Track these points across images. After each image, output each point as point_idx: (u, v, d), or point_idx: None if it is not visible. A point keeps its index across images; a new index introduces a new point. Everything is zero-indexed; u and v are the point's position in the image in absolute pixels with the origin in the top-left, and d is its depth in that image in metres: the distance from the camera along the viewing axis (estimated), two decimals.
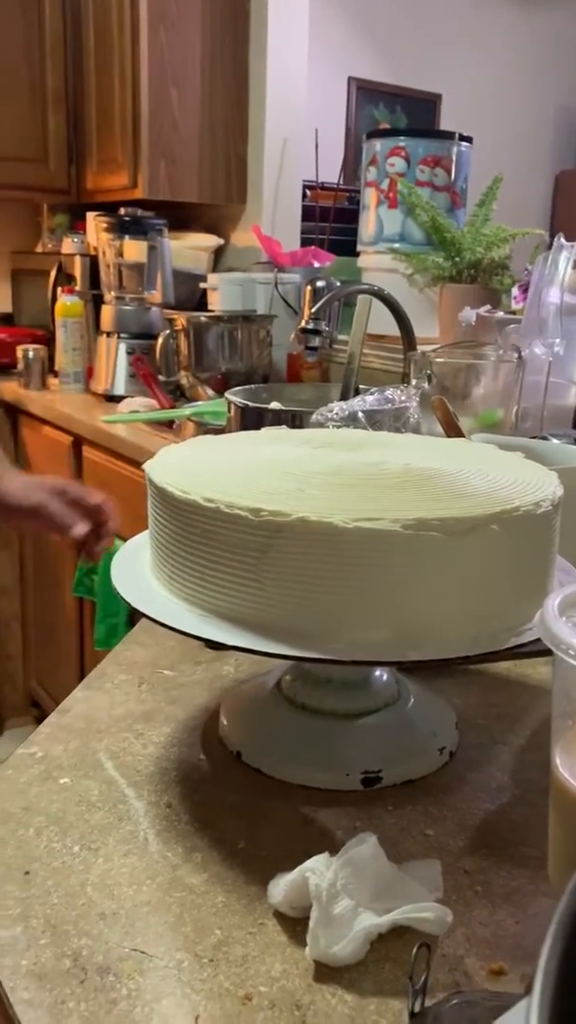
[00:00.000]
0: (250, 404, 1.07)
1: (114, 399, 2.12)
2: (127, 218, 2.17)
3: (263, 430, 0.74)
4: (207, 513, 0.53)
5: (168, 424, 1.82)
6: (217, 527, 0.53)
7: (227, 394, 1.11)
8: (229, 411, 1.10)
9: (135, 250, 2.13)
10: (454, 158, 1.95)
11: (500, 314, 1.61)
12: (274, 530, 0.51)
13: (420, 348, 1.72)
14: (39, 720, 2.55)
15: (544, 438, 1.11)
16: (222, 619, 0.54)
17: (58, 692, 2.28)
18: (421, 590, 0.52)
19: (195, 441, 0.69)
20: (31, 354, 2.26)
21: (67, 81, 2.45)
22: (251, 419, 1.08)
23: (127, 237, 2.13)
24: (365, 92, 3.96)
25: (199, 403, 1.61)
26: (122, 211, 2.20)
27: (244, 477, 0.57)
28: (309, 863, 0.47)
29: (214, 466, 0.61)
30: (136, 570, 0.62)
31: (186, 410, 1.48)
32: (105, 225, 2.17)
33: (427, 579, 0.52)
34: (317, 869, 0.47)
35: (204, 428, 1.41)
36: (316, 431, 0.75)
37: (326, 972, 0.45)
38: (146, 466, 0.61)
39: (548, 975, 0.26)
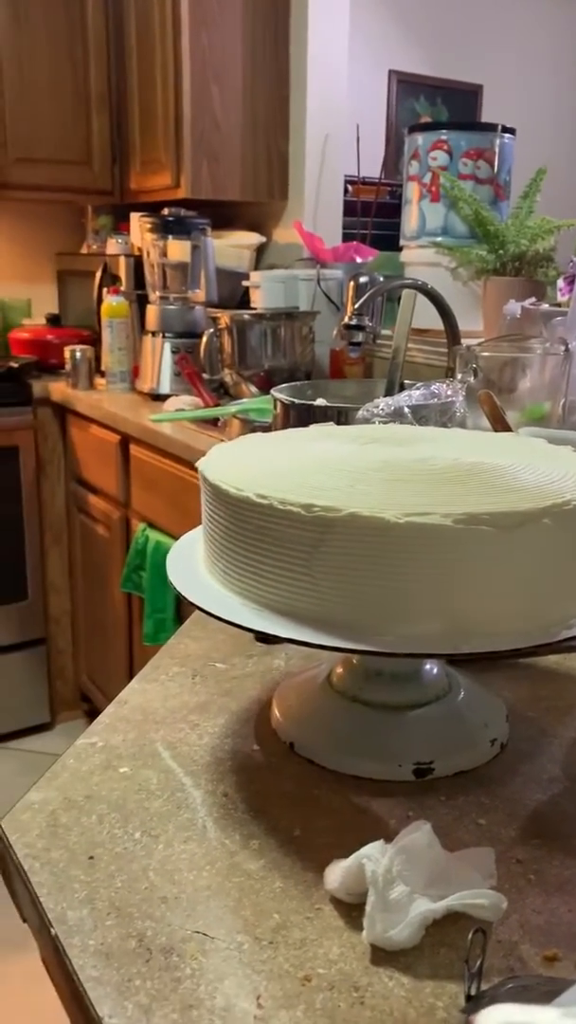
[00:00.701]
0: (296, 401, 1.08)
1: (159, 398, 2.15)
2: (170, 218, 2.19)
3: (311, 427, 0.75)
4: (260, 509, 0.55)
5: (213, 422, 1.84)
6: (270, 523, 0.55)
7: (273, 391, 1.12)
8: (275, 408, 1.11)
9: (179, 250, 2.15)
10: (497, 150, 1.94)
11: (545, 306, 1.60)
12: (326, 525, 0.52)
13: (464, 342, 1.72)
14: (89, 714, 2.60)
15: None
16: (276, 613, 0.56)
17: (107, 687, 2.32)
18: (472, 584, 0.53)
19: (245, 439, 0.71)
20: (78, 355, 2.30)
21: (110, 83, 2.49)
22: (297, 416, 1.09)
23: (171, 237, 2.16)
24: (406, 85, 3.94)
25: (244, 400, 1.63)
26: (165, 211, 2.23)
27: (295, 474, 0.59)
28: (365, 850, 0.49)
29: (265, 463, 0.62)
30: (191, 566, 0.63)
31: (231, 407, 1.50)
32: (149, 225, 2.19)
33: (478, 573, 0.53)
34: (373, 856, 0.48)
35: (250, 425, 1.42)
36: (364, 427, 0.76)
37: (383, 956, 0.46)
38: (199, 464, 0.63)
39: None
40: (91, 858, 0.53)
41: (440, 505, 0.53)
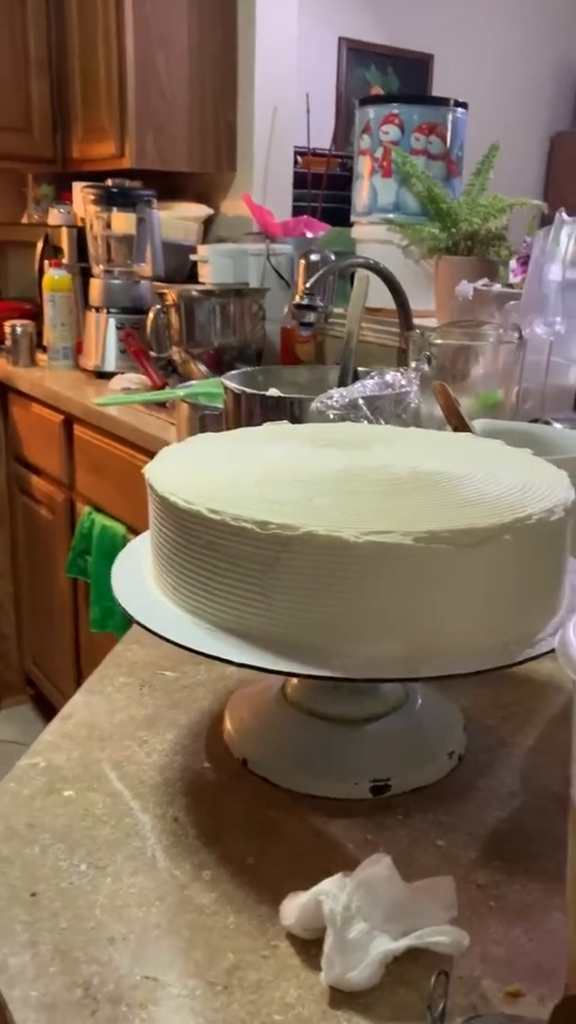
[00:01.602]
0: (247, 391, 1.05)
1: (104, 375, 2.09)
2: (114, 189, 2.12)
3: (265, 426, 0.72)
4: (212, 525, 0.52)
5: (161, 403, 1.80)
6: (223, 539, 0.52)
7: (223, 379, 1.08)
8: (226, 396, 1.08)
9: (123, 222, 2.09)
10: (449, 125, 1.91)
11: (498, 287, 1.58)
12: (282, 544, 0.50)
13: (417, 323, 1.69)
14: (34, 699, 2.55)
15: (546, 422, 1.09)
16: (228, 633, 0.53)
17: (53, 672, 2.28)
18: (433, 603, 0.51)
19: (195, 440, 0.68)
20: (19, 330, 2.22)
21: (50, 47, 2.39)
22: (248, 406, 1.06)
23: (115, 209, 2.09)
24: (356, 53, 3.87)
25: (192, 383, 1.59)
26: (109, 182, 2.15)
27: (249, 485, 0.56)
28: (322, 885, 0.47)
29: (217, 472, 0.59)
30: (139, 578, 0.60)
31: (180, 391, 1.46)
32: (92, 196, 2.12)
33: (439, 592, 0.51)
34: (331, 892, 0.46)
35: (199, 411, 1.39)
36: (319, 427, 0.74)
37: (341, 997, 0.44)
38: (146, 472, 0.59)
39: None
40: (33, 895, 0.51)
41: (400, 521, 0.50)
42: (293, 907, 0.47)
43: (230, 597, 0.52)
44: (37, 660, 2.42)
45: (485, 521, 0.51)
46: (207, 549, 0.53)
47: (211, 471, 0.59)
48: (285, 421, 0.73)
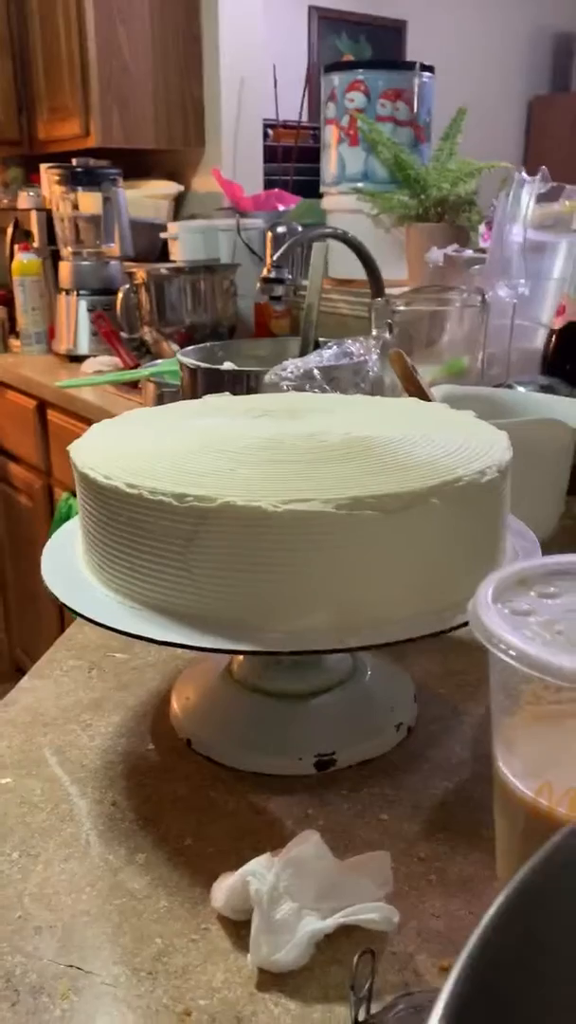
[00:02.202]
0: (202, 365, 1.03)
1: (77, 359, 2.06)
2: (79, 168, 2.09)
3: (204, 399, 0.70)
4: (131, 500, 0.50)
5: (133, 384, 1.78)
6: (141, 515, 0.50)
7: (179, 354, 1.06)
8: (181, 372, 1.06)
9: (90, 202, 2.06)
10: (416, 90, 1.87)
11: (468, 253, 1.56)
12: (200, 516, 0.48)
13: (388, 291, 1.67)
14: None
15: (509, 386, 1.07)
16: (154, 611, 0.51)
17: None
18: (360, 572, 0.49)
19: (128, 416, 0.66)
20: None
21: (10, 25, 2.34)
22: (205, 380, 1.04)
23: (80, 189, 2.06)
24: (327, 21, 3.81)
25: (158, 362, 1.57)
26: (74, 161, 2.12)
27: (172, 457, 0.54)
28: (250, 866, 0.45)
29: (142, 445, 0.57)
30: (68, 559, 0.59)
31: (144, 371, 1.44)
32: (57, 177, 2.09)
33: (366, 560, 0.49)
34: (258, 872, 0.45)
35: (163, 389, 1.36)
36: (259, 398, 0.72)
37: (269, 979, 0.43)
38: (70, 448, 0.58)
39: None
40: None
41: (323, 489, 0.48)
42: (223, 889, 0.46)
43: (153, 574, 0.51)
44: (26, 648, 2.41)
45: (412, 485, 0.49)
46: (128, 525, 0.51)
47: (135, 445, 0.57)
48: (226, 393, 0.71)
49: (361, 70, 1.87)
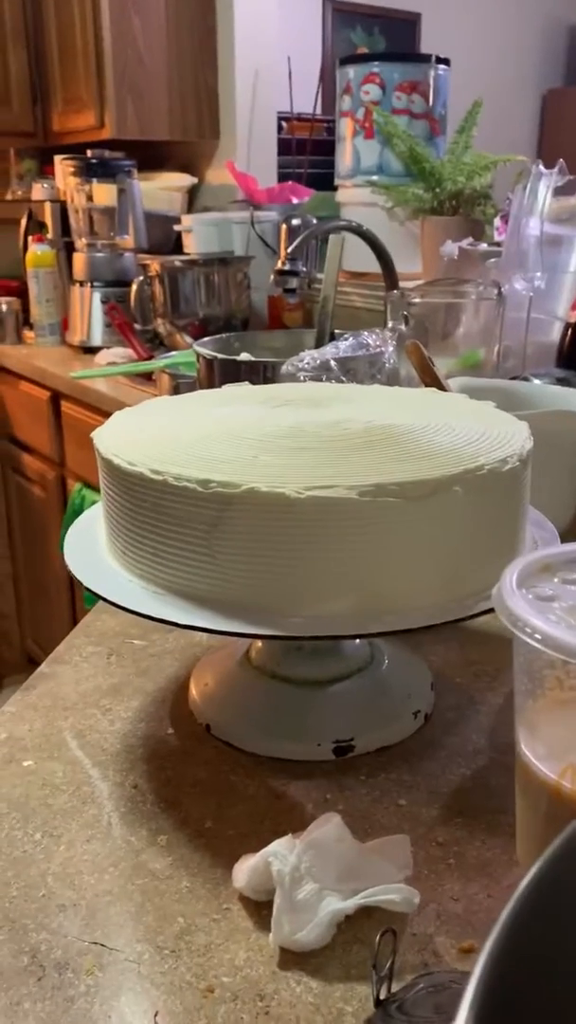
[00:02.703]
0: (218, 356, 1.03)
1: (91, 351, 2.07)
2: (94, 160, 2.09)
3: (224, 388, 0.70)
4: (155, 486, 0.51)
5: (147, 376, 1.78)
6: (166, 500, 0.51)
7: (195, 345, 1.07)
8: (198, 363, 1.06)
9: (104, 194, 2.06)
10: (431, 83, 1.87)
11: (483, 246, 1.55)
12: (224, 502, 0.49)
13: (402, 284, 1.66)
14: None
15: (525, 378, 1.07)
16: (177, 596, 0.52)
17: (53, 649, 2.27)
18: (382, 559, 0.50)
19: (149, 404, 0.66)
20: (4, 307, 2.20)
21: (25, 16, 2.34)
22: (222, 371, 1.04)
23: (95, 180, 2.06)
24: (341, 14, 3.80)
25: (173, 353, 1.57)
26: (89, 153, 2.12)
27: (196, 445, 0.54)
28: (272, 847, 0.46)
29: (165, 433, 0.58)
30: (91, 545, 0.59)
31: (159, 362, 1.44)
32: (72, 169, 2.09)
33: (389, 547, 0.49)
34: (280, 853, 0.45)
35: (178, 380, 1.37)
36: (279, 387, 0.72)
37: (291, 958, 0.44)
38: (94, 435, 0.58)
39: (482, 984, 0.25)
40: None
41: (346, 476, 0.49)
42: (244, 870, 0.47)
43: (177, 559, 0.51)
44: (37, 638, 2.42)
45: (434, 473, 0.49)
46: (152, 511, 0.52)
47: (158, 433, 0.57)
48: (246, 383, 0.72)
49: (377, 63, 1.87)
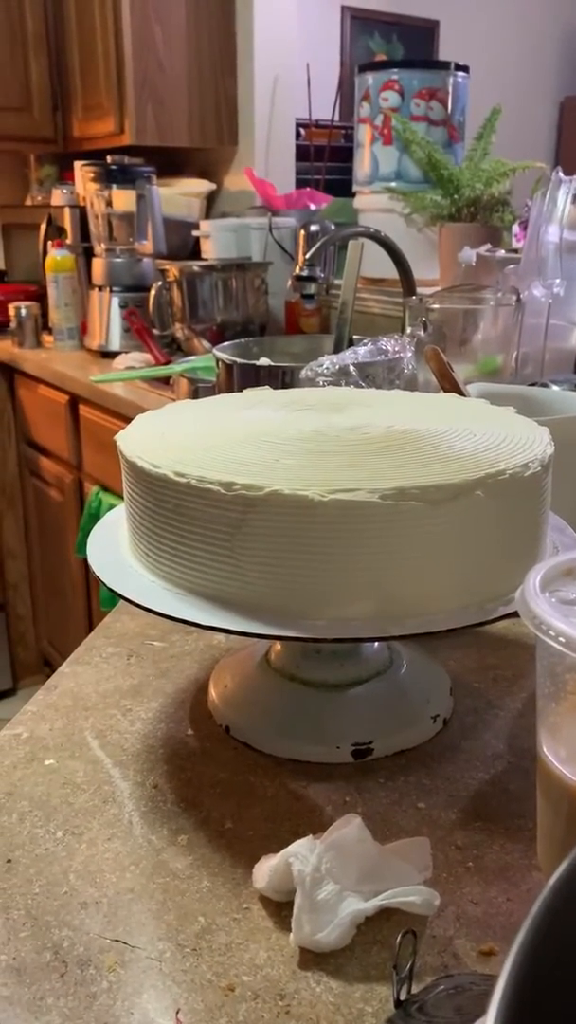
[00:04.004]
0: (238, 361, 1.04)
1: (109, 355, 2.08)
2: (114, 166, 2.10)
3: (245, 392, 0.71)
4: (178, 488, 0.51)
5: (165, 380, 1.79)
6: (189, 502, 0.51)
7: (215, 350, 1.07)
8: (217, 368, 1.07)
9: (123, 199, 2.07)
10: (450, 90, 1.87)
11: (501, 253, 1.56)
12: (247, 504, 0.49)
13: (420, 291, 1.67)
14: None
15: (544, 384, 1.07)
16: (199, 597, 0.52)
17: (68, 652, 2.28)
18: (404, 562, 0.50)
19: (171, 407, 0.67)
20: (23, 312, 2.22)
21: (47, 23, 2.37)
22: (241, 376, 1.05)
23: (115, 186, 2.08)
24: (359, 21, 3.81)
25: (192, 358, 1.58)
26: (108, 159, 2.14)
27: (218, 448, 0.55)
28: (292, 847, 0.46)
29: (188, 436, 0.58)
30: (113, 546, 0.60)
31: (177, 367, 1.45)
32: (92, 174, 2.11)
33: (410, 550, 0.50)
34: (300, 854, 0.45)
35: (197, 385, 1.38)
36: (299, 392, 0.73)
37: (311, 958, 0.44)
38: (117, 437, 0.59)
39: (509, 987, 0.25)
40: (9, 861, 0.50)
41: (368, 479, 0.49)
42: (264, 870, 0.47)
43: (199, 561, 0.52)
44: (53, 640, 2.43)
45: (456, 477, 0.50)
46: (175, 513, 0.52)
47: (181, 436, 0.58)
48: (267, 387, 0.72)
49: (396, 69, 1.88)
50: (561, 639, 0.35)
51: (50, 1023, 0.41)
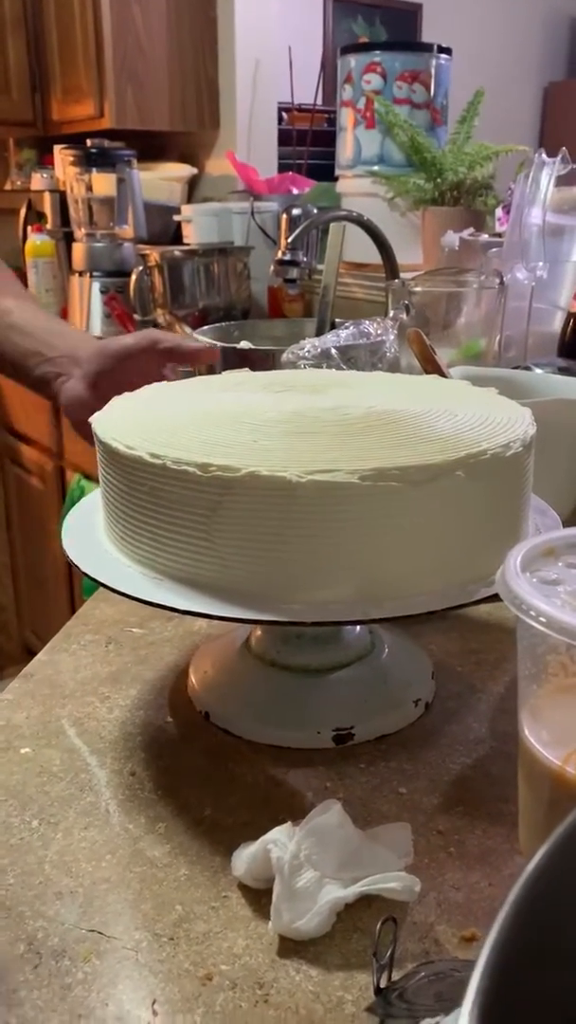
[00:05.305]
0: (219, 344, 1.03)
1: None
2: (93, 150, 2.08)
3: (223, 374, 0.70)
4: (154, 470, 0.50)
5: None
6: (165, 484, 0.50)
7: (195, 333, 1.06)
8: None
9: (104, 183, 2.05)
10: (433, 72, 1.85)
11: (484, 237, 1.55)
12: (223, 486, 0.48)
13: (403, 275, 1.66)
14: None
15: (527, 368, 1.07)
16: (176, 582, 0.51)
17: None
18: (384, 544, 0.49)
19: (149, 389, 0.65)
20: None
21: (25, 5, 2.33)
22: (221, 360, 1.03)
23: (95, 170, 2.05)
24: (342, 4, 3.78)
25: None
26: (88, 143, 2.11)
27: (195, 429, 0.54)
28: (271, 834, 0.45)
29: (165, 417, 0.57)
30: (89, 531, 0.59)
31: None
32: (71, 158, 2.08)
33: (390, 532, 0.49)
34: (279, 841, 0.45)
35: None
36: (279, 373, 0.71)
37: (291, 946, 0.43)
38: (93, 420, 0.57)
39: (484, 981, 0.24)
40: None
41: (347, 460, 0.48)
42: (243, 858, 0.46)
43: (176, 544, 0.51)
44: (36, 630, 2.42)
45: (436, 457, 0.49)
46: (151, 495, 0.51)
47: (157, 417, 0.57)
48: (246, 369, 0.71)
49: (378, 52, 1.86)
50: (542, 619, 0.34)
51: (23, 1015, 0.40)
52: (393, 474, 0.48)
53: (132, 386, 0.65)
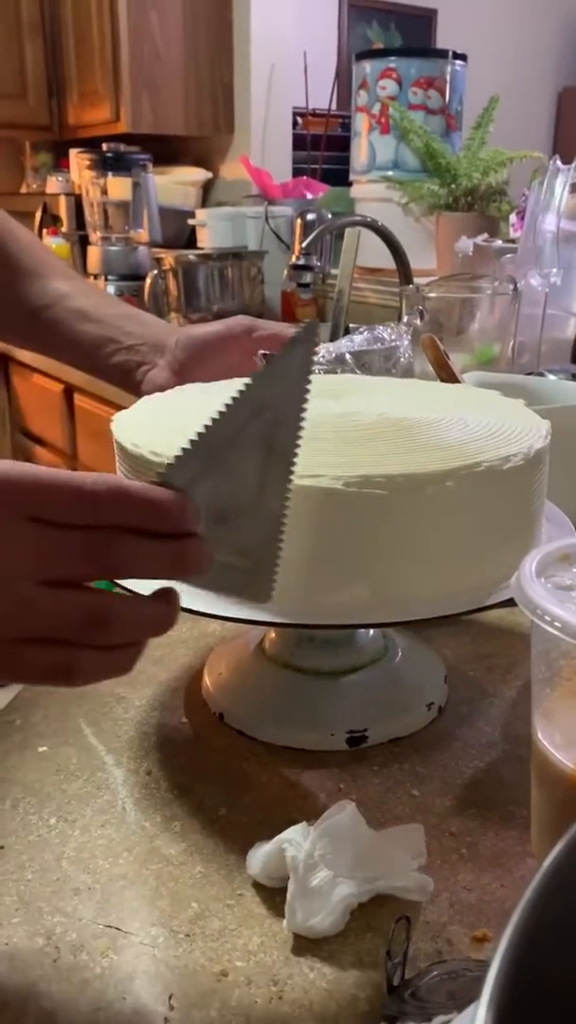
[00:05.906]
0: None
1: None
2: (109, 154, 2.09)
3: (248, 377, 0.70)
4: (157, 469, 0.51)
5: None
6: None
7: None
8: None
9: (119, 187, 2.06)
10: (448, 78, 1.86)
11: (498, 243, 1.55)
12: None
13: (416, 281, 1.66)
14: None
15: (540, 374, 1.07)
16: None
17: None
18: (391, 549, 0.49)
19: (177, 391, 0.66)
20: None
21: (43, 10, 2.35)
22: None
23: (110, 174, 2.06)
24: (357, 10, 3.79)
25: None
26: (104, 147, 2.12)
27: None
28: (286, 834, 0.46)
29: (183, 421, 0.57)
30: None
31: None
32: (87, 162, 2.10)
33: (392, 538, 0.49)
34: (294, 840, 0.45)
35: None
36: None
37: (305, 944, 0.44)
38: (114, 418, 0.58)
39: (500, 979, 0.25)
40: (1, 847, 0.50)
41: (341, 466, 0.49)
42: (258, 856, 0.47)
43: None
44: None
45: (427, 467, 0.49)
46: None
47: (174, 418, 0.57)
48: None
49: (394, 58, 1.87)
50: (556, 624, 0.35)
51: (43, 1009, 0.40)
52: (377, 482, 0.48)
53: (221, 375, 0.62)
